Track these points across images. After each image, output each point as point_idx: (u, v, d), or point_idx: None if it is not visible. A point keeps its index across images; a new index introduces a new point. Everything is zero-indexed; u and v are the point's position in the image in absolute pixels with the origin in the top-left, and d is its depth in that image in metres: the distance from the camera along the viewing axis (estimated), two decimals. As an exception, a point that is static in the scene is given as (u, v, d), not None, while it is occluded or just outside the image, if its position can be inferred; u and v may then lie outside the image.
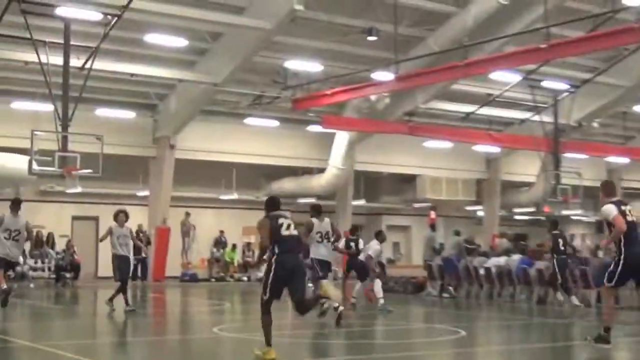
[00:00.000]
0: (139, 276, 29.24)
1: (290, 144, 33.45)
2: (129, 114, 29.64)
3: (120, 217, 17.49)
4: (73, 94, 23.58)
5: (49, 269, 28.42)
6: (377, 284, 18.20)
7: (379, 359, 11.27)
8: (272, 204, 11.03)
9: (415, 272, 27.85)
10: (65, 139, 22.70)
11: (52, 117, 23.34)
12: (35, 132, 22.51)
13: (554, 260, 18.58)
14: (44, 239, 28.82)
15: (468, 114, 32.33)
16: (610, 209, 11.09)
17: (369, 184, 37.06)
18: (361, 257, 18.60)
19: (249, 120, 31.57)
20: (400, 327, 16.08)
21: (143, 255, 28.85)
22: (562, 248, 18.69)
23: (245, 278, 32.28)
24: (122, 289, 17.08)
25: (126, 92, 29.23)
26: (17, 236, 15.47)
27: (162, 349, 12.49)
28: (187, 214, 32.45)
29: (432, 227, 29.66)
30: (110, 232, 17.33)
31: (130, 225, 17.98)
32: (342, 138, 32.12)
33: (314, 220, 15.70)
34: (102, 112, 28.81)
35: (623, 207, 11.15)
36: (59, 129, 22.95)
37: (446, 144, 34.69)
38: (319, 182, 33.35)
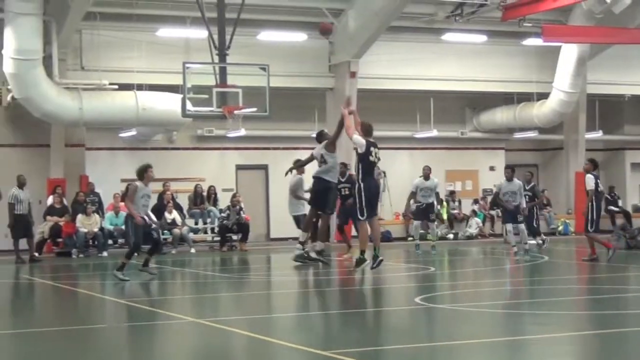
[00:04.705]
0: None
1: (502, 64, 32.91)
2: (299, 37, 29.97)
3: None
4: (230, 15, 24.06)
5: (212, 230, 29.37)
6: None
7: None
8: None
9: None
10: (223, 71, 23.23)
11: (207, 45, 23.94)
12: (188, 65, 23.15)
13: None
14: (204, 193, 29.73)
15: None
16: None
17: (606, 110, 35.98)
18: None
19: (448, 37, 31.25)
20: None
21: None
22: None
23: (450, 235, 32.21)
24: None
25: (294, 9, 29.53)
26: None
27: (354, 323, 12.63)
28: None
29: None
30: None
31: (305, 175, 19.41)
32: (569, 53, 31.29)
33: None
34: (267, 36, 29.29)
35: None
36: (216, 59, 23.50)
37: None
38: (541, 111, 32.72)
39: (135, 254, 18.76)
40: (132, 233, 18.60)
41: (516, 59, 33.06)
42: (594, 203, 20.73)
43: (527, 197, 24.52)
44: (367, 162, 17.46)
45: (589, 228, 20.85)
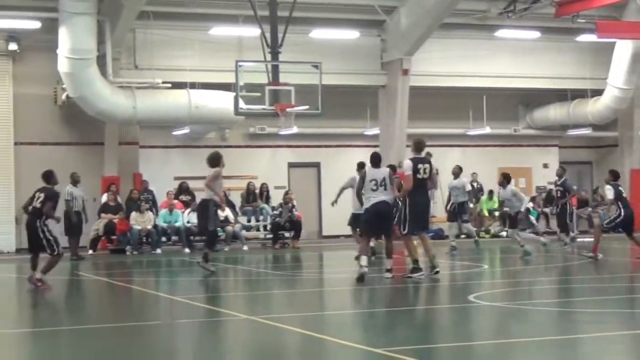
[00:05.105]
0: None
1: (555, 61, 32.66)
2: (351, 34, 29.97)
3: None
4: (283, 13, 24.12)
5: (265, 227, 29.46)
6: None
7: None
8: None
9: None
10: (275, 69, 23.30)
11: (259, 43, 24.02)
12: (240, 63, 23.26)
13: None
14: (257, 191, 29.82)
15: None
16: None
17: (662, 107, 35.55)
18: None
19: (501, 33, 31.09)
20: None
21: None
22: None
23: (504, 233, 32.00)
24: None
25: (346, 7, 29.53)
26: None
27: (408, 321, 12.63)
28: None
29: None
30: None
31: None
32: (623, 49, 30.99)
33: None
34: (319, 33, 29.33)
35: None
36: (268, 57, 23.57)
37: None
38: (595, 107, 32.46)
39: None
40: (211, 221, 19.06)
41: (570, 55, 32.80)
42: (621, 209, 20.89)
43: (559, 192, 24.44)
44: (414, 180, 17.25)
45: (605, 224, 21.45)
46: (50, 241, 16.84)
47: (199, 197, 28.18)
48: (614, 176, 21.41)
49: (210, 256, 19.13)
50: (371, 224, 17.34)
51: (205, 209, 19.23)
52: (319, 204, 32.36)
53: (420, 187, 17.39)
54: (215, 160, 19.20)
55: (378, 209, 17.03)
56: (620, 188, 21.20)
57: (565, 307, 13.72)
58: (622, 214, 20.78)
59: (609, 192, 21.08)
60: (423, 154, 17.87)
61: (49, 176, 17.38)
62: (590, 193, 35.01)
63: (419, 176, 17.25)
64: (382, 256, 20.40)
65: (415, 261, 17.31)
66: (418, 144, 17.77)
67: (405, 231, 17.43)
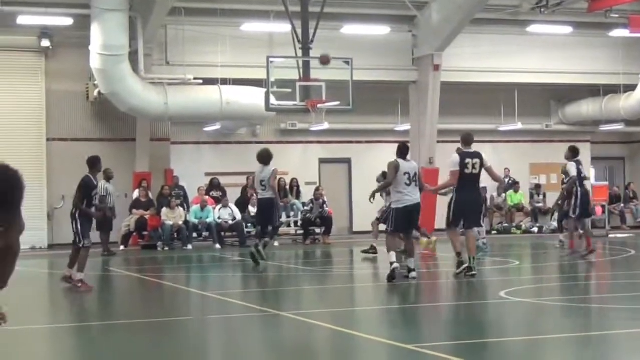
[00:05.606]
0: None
1: (588, 56, 32.46)
2: (382, 30, 29.93)
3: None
4: (314, 9, 24.13)
5: (295, 223, 29.49)
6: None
7: None
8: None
9: None
10: (307, 65, 23.30)
11: (290, 39, 24.04)
12: (272, 59, 23.28)
13: None
14: (288, 187, 29.85)
15: None
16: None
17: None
18: None
19: (533, 28, 30.94)
20: None
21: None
22: None
23: (535, 229, 31.92)
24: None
25: (377, 2, 29.49)
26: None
27: (438, 317, 12.63)
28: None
29: None
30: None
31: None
32: (656, 44, 30.82)
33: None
34: (350, 29, 29.29)
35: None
36: (299, 53, 23.58)
37: None
38: (628, 103, 32.22)
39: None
40: (276, 217, 20.53)
41: (602, 50, 32.60)
42: (579, 189, 20.65)
43: (565, 192, 24.30)
44: (462, 175, 16.74)
45: (571, 214, 20.98)
46: (78, 230, 16.09)
47: (231, 193, 28.51)
48: (574, 153, 21.10)
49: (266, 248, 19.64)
50: (402, 222, 16.67)
51: (271, 208, 19.88)
52: (350, 199, 32.38)
53: (468, 182, 16.85)
54: (269, 157, 19.77)
55: (411, 210, 16.54)
56: (580, 166, 20.96)
57: (598, 303, 13.65)
58: (578, 192, 20.59)
59: (571, 169, 20.84)
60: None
61: (92, 162, 16.55)
62: (622, 189, 34.83)
63: (467, 171, 16.75)
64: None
65: (458, 254, 16.95)
66: (466, 138, 17.40)
67: (449, 226, 17.13)
